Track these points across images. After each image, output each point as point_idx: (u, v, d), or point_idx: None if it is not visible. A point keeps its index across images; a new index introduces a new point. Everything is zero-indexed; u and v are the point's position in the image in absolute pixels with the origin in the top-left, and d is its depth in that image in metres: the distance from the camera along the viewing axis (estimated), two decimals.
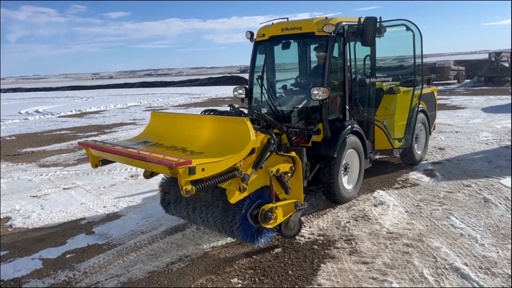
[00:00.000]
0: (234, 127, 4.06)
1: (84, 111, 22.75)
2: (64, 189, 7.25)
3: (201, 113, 5.03)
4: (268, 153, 4.02)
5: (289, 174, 4.25)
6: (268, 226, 4.11)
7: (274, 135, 4.09)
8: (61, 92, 48.66)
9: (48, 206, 6.34)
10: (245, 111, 5.19)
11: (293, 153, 4.30)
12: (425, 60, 6.51)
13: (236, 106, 5.27)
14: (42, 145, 12.08)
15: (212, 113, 4.98)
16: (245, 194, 3.91)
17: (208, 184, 3.58)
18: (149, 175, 4.84)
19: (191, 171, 3.34)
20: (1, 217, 5.97)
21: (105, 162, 4.52)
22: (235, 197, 3.85)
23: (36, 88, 60.27)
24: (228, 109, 5.22)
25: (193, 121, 4.62)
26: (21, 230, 5.47)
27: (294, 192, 4.30)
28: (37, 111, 23.52)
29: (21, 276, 4.20)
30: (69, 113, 22.05)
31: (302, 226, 4.79)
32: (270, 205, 4.07)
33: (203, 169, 3.42)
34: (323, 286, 3.71)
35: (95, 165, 4.54)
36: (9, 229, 5.51)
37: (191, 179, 3.41)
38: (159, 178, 5.05)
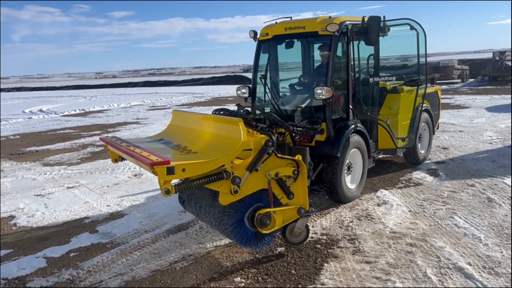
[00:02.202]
0: (227, 127, 3.96)
1: (87, 110, 22.82)
2: (68, 188, 7.28)
3: (212, 112, 5.00)
4: (266, 156, 3.85)
5: (292, 178, 4.06)
6: (264, 231, 3.95)
7: (273, 137, 3.92)
8: (64, 91, 48.84)
9: (52, 205, 6.36)
10: (251, 110, 5.18)
11: (298, 157, 4.08)
12: (428, 59, 6.48)
13: (244, 105, 5.26)
14: (46, 144, 12.12)
15: (222, 112, 4.95)
16: (238, 196, 3.77)
17: (192, 185, 3.52)
18: None
19: (169, 171, 3.28)
20: (6, 216, 6.00)
21: (123, 158, 4.56)
22: (225, 199, 3.75)
23: (40, 87, 60.53)
24: (236, 109, 5.20)
25: (197, 120, 4.63)
26: (25, 228, 5.49)
27: (297, 197, 4.11)
28: (41, 110, 23.62)
29: (25, 275, 4.22)
30: (72, 112, 22.12)
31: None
32: (267, 209, 3.93)
33: (183, 170, 3.35)
34: (326, 286, 3.71)
35: (114, 160, 4.59)
36: (13, 228, 5.54)
37: (171, 179, 3.36)
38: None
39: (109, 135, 12.10)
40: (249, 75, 6.62)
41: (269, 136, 3.88)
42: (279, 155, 3.99)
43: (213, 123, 4.28)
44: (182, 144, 4.17)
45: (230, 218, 3.90)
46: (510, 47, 26.60)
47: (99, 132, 14.14)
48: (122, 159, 4.52)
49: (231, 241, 4.64)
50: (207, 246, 4.59)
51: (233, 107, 5.39)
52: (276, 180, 3.98)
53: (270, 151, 3.86)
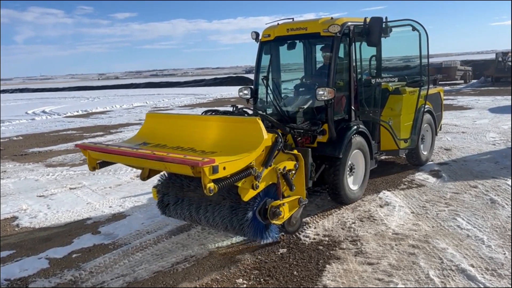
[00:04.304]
0: (245, 126, 4.18)
1: (90, 111, 22.88)
2: (71, 189, 7.30)
3: (202, 113, 5.04)
4: (276, 152, 4.12)
5: (293, 172, 4.36)
6: (277, 222, 4.26)
7: (280, 134, 4.21)
8: (67, 93, 48.98)
9: (54, 205, 6.37)
10: (249, 111, 5.20)
11: (295, 151, 4.43)
12: (431, 60, 6.47)
13: (240, 106, 5.28)
14: (49, 145, 12.15)
15: (214, 113, 5.02)
16: (257, 191, 4.02)
17: (228, 183, 3.68)
18: (145, 177, 4.84)
19: (215, 169, 3.44)
20: (9, 216, 6.02)
21: (103, 164, 4.50)
22: (248, 195, 3.95)
23: (43, 88, 60.74)
24: (229, 109, 5.25)
25: (198, 121, 4.63)
26: (27, 229, 5.50)
27: (297, 188, 4.43)
28: (44, 112, 23.69)
29: (27, 276, 4.22)
30: (75, 113, 22.18)
31: (304, 224, 4.80)
32: (278, 201, 4.21)
33: (224, 168, 3.53)
34: (328, 287, 3.70)
35: (92, 168, 4.49)
36: (16, 229, 5.55)
37: (214, 178, 3.50)
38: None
39: (94, 139, 12.13)
40: (252, 76, 6.62)
41: (277, 134, 4.15)
42: (285, 150, 4.31)
43: (225, 123, 4.35)
44: (184, 146, 4.16)
45: (247, 213, 4.05)
46: (511, 48, 26.52)
47: (101, 133, 14.17)
48: (101, 166, 4.49)
49: (234, 241, 4.66)
50: (209, 247, 4.59)
51: (223, 108, 5.42)
52: (283, 174, 4.24)
53: (279, 147, 4.14)
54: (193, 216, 4.48)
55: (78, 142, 11.77)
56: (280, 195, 4.26)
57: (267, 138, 3.97)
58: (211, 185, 3.50)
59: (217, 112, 5.03)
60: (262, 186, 4.07)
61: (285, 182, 4.31)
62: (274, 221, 4.21)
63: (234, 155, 3.69)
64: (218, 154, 3.78)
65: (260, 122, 4.02)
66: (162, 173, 4.83)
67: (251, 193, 3.97)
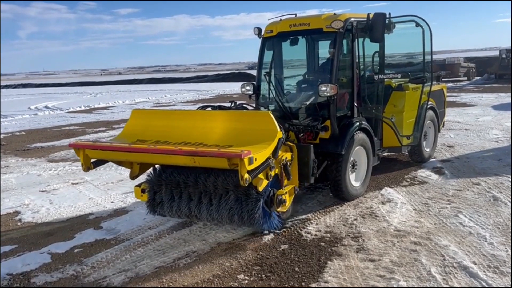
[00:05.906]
0: (257, 120, 4.34)
1: (93, 107, 22.91)
2: (73, 184, 7.31)
3: (197, 109, 5.13)
4: (281, 144, 4.24)
5: (290, 162, 4.53)
6: (282, 210, 4.48)
7: (282, 127, 4.35)
8: (70, 88, 48.99)
9: (56, 201, 6.39)
10: (249, 107, 5.22)
11: (288, 142, 4.62)
12: (434, 56, 6.44)
13: (238, 102, 5.30)
14: (51, 141, 12.18)
15: (209, 108, 5.10)
16: (268, 181, 4.18)
17: (257, 173, 3.84)
18: (135, 175, 4.86)
19: (251, 161, 3.60)
20: (11, 211, 6.03)
21: (97, 163, 4.49)
22: (263, 185, 4.09)
23: (46, 83, 60.78)
24: (223, 104, 5.30)
25: (202, 116, 4.66)
26: (30, 224, 5.52)
27: (293, 177, 4.62)
28: (46, 107, 23.73)
29: (29, 270, 4.24)
30: (78, 108, 22.21)
31: (306, 220, 4.83)
32: (283, 190, 4.42)
33: (255, 159, 3.68)
34: (329, 284, 3.70)
35: (87, 168, 4.41)
36: (18, 224, 5.56)
37: (249, 169, 3.66)
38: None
39: (96, 135, 12.09)
40: (254, 72, 6.61)
41: (280, 127, 4.26)
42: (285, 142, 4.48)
43: (235, 117, 4.44)
44: (191, 141, 4.16)
45: (258, 203, 4.13)
46: (511, 45, 26.36)
47: (104, 128, 14.19)
48: (95, 166, 4.49)
49: (236, 236, 4.66)
50: (211, 243, 4.59)
51: (217, 104, 5.44)
52: (284, 164, 4.42)
53: (283, 139, 4.27)
54: (192, 212, 4.41)
55: (72, 141, 11.77)
56: (282, 185, 4.47)
57: (280, 130, 4.16)
58: (246, 176, 3.66)
59: (213, 108, 5.07)
60: (272, 176, 4.24)
61: (284, 172, 4.48)
62: (279, 209, 4.41)
63: (252, 147, 3.80)
64: (235, 147, 3.87)
65: (272, 115, 4.18)
66: (148, 171, 4.79)
67: (265, 183, 4.12)
